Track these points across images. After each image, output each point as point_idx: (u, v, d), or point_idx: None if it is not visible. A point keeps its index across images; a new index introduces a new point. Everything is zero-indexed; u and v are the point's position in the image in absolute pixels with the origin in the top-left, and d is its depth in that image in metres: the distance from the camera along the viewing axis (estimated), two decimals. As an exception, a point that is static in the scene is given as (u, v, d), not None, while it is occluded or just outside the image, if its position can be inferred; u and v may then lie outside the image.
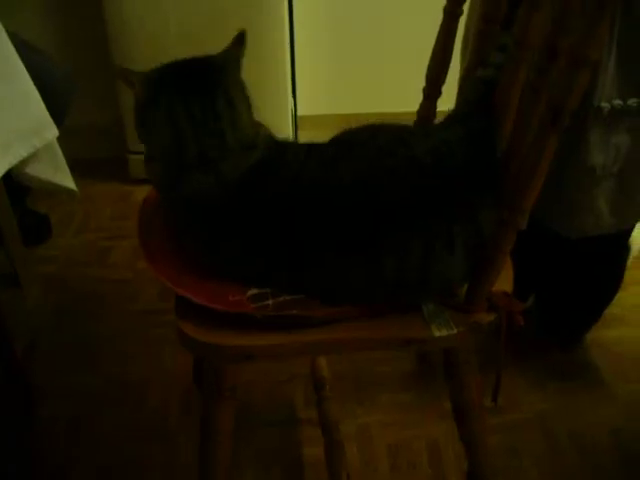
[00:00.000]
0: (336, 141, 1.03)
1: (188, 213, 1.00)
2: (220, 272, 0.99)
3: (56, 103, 1.55)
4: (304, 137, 2.58)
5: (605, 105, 1.34)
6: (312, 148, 1.01)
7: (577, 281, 1.73)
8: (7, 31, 1.41)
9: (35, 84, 1.43)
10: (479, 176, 0.97)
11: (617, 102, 1.35)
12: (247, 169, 0.97)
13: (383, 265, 0.93)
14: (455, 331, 0.98)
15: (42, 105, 1.45)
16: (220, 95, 0.97)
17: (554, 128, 0.85)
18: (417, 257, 0.93)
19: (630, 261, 1.80)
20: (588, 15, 0.79)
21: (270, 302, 0.95)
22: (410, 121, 1.21)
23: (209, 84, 0.97)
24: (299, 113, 2.65)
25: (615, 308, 1.81)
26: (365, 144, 0.99)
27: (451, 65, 1.18)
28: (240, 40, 1.01)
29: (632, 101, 1.35)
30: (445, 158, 0.96)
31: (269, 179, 0.96)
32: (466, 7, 1.21)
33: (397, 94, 2.27)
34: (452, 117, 1.09)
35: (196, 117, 0.95)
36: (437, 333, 0.97)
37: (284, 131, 2.42)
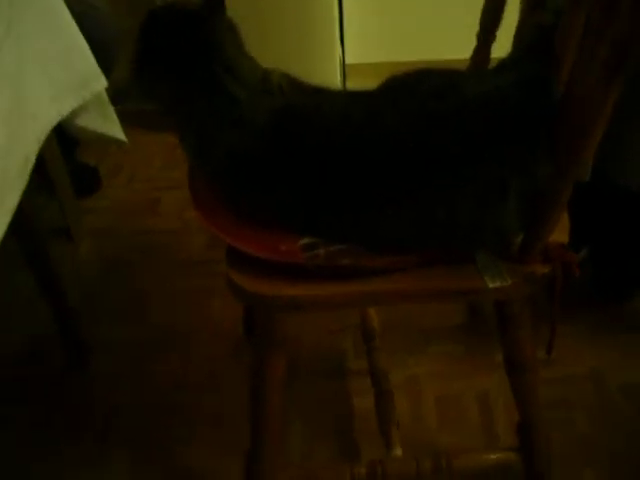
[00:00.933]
0: (382, 87, 1.00)
1: (226, 174, 0.99)
2: (268, 223, 0.98)
3: (105, 55, 1.54)
4: (353, 85, 2.55)
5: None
6: (355, 94, 0.99)
7: (634, 233, 1.69)
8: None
9: (85, 36, 1.43)
10: (534, 123, 0.93)
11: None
12: (273, 114, 0.95)
13: (433, 212, 0.90)
14: (509, 282, 0.96)
15: (91, 57, 1.45)
16: (214, 55, 0.97)
17: (618, 71, 0.81)
18: (468, 204, 0.90)
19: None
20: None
21: (322, 251, 0.94)
22: (463, 68, 1.18)
23: (199, 49, 0.97)
24: (347, 61, 2.61)
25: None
26: (414, 89, 0.96)
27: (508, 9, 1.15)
28: None
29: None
30: (498, 103, 0.93)
31: (304, 126, 0.94)
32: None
33: (450, 40, 2.21)
34: (507, 62, 1.06)
35: (194, 85, 0.97)
36: (491, 284, 0.96)
37: (332, 80, 2.38)
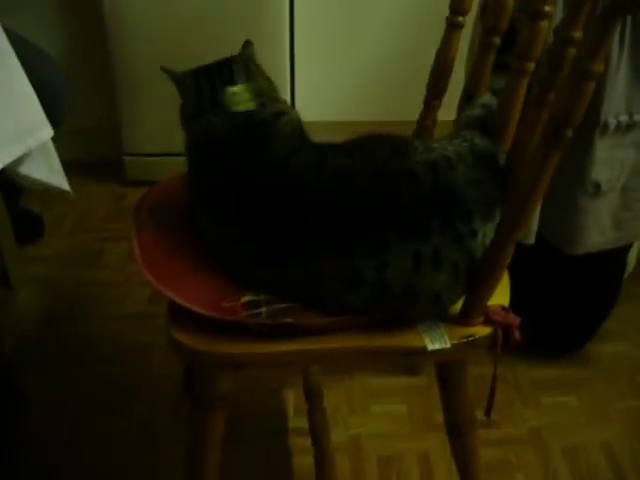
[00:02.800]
0: (349, 145, 1.01)
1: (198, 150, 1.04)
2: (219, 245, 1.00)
3: (52, 103, 1.53)
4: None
5: (612, 121, 1.33)
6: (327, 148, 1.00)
7: (573, 295, 1.71)
8: (5, 28, 1.40)
9: (32, 83, 1.42)
10: (478, 193, 0.95)
11: (624, 118, 1.33)
12: (255, 124, 1.00)
13: (365, 271, 0.91)
14: (449, 345, 0.97)
15: (38, 105, 1.43)
16: (239, 66, 1.07)
17: (556, 143, 0.84)
18: (400, 270, 0.91)
19: (626, 276, 1.80)
20: (594, 28, 0.78)
21: (263, 310, 0.93)
22: (410, 130, 1.20)
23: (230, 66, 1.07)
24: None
25: (611, 323, 1.80)
26: (372, 152, 0.98)
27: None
28: (247, 45, 1.12)
29: (639, 117, 1.34)
30: (444, 173, 0.94)
31: (276, 146, 0.98)
32: (470, 18, 1.20)
33: (398, 103, 2.25)
34: (453, 135, 1.07)
35: (215, 75, 1.06)
36: (431, 346, 0.96)
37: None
